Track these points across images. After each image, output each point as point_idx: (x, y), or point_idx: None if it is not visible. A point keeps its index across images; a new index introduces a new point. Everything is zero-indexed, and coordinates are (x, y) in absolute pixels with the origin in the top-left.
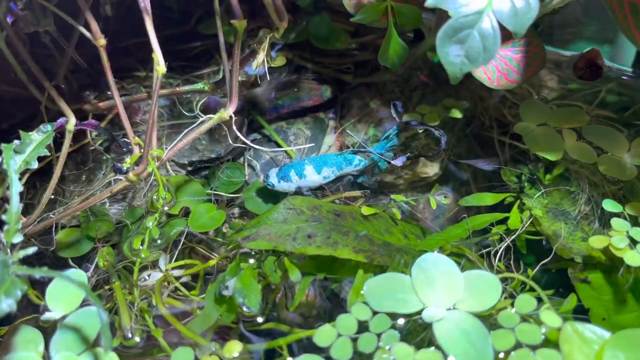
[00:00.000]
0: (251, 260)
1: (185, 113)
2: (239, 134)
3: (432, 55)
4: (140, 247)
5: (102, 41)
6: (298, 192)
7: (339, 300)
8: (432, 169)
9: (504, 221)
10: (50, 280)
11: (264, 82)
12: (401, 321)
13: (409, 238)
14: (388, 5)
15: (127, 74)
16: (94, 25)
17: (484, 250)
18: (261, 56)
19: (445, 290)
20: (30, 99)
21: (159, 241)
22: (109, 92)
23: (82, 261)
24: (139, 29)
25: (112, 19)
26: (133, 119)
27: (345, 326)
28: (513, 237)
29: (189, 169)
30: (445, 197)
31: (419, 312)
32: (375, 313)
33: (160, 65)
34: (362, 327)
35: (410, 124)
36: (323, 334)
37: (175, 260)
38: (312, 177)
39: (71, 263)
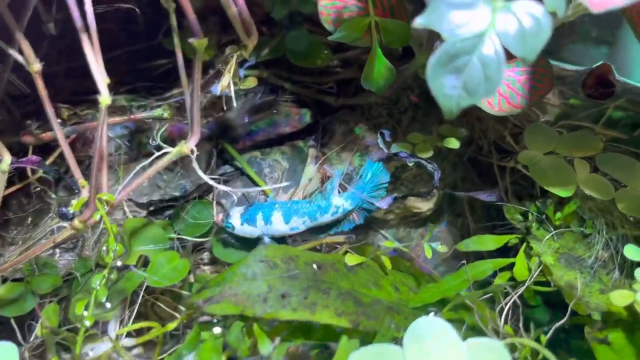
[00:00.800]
0: (216, 329)
1: (146, 143)
2: (201, 174)
3: (424, 72)
4: (85, 313)
5: (36, 67)
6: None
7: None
8: (425, 204)
9: (509, 266)
10: None
11: (237, 104)
12: None
13: (400, 291)
14: (372, 20)
15: (81, 98)
16: (27, 48)
17: (485, 296)
18: (226, 79)
19: None
20: None
21: (107, 305)
22: (59, 120)
23: (27, 318)
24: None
25: (67, 34)
26: (86, 151)
27: None
28: (520, 291)
29: (150, 209)
30: (441, 244)
31: None
32: None
33: (103, 95)
34: None
35: (399, 155)
36: None
37: (135, 318)
38: (279, 225)
39: (13, 323)
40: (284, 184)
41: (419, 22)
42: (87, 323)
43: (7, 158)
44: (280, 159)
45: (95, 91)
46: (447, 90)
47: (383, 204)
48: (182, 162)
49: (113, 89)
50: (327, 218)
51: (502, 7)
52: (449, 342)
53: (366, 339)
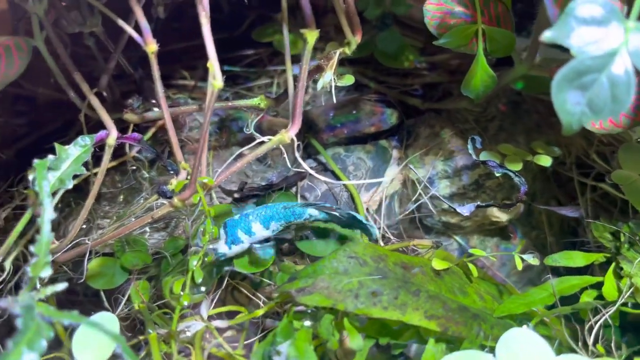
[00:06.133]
0: (307, 322)
1: (236, 131)
2: (300, 161)
3: (519, 84)
4: (182, 293)
5: (153, 47)
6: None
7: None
8: (506, 215)
9: (596, 285)
10: None
11: (322, 100)
12: None
13: (485, 299)
14: (479, 28)
15: (172, 82)
16: (146, 28)
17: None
18: (328, 75)
19: None
20: (68, 105)
21: (202, 288)
22: (153, 100)
23: (114, 292)
24: (186, 31)
25: (159, 18)
26: (178, 136)
27: None
28: (611, 310)
29: (236, 196)
30: (534, 257)
31: None
32: None
33: (216, 79)
34: None
35: (487, 164)
36: None
37: (218, 302)
38: (262, 232)
39: (102, 295)
40: (367, 180)
41: (547, 35)
42: (186, 303)
43: (114, 132)
44: (364, 157)
45: (183, 77)
46: (570, 106)
47: (465, 210)
48: (272, 153)
49: (202, 76)
50: (298, 221)
51: (635, 28)
52: (542, 356)
53: (451, 344)
